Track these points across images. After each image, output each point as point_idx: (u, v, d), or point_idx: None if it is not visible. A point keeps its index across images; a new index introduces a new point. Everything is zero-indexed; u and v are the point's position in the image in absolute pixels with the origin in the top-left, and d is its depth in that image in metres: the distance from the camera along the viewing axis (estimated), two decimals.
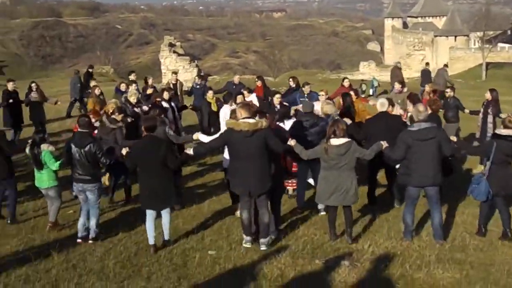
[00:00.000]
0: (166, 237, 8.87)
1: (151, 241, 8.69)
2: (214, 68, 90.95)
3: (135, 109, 13.32)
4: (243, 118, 8.41)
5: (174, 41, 45.32)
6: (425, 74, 27.20)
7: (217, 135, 9.55)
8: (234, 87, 18.08)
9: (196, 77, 18.81)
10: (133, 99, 13.27)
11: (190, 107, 16.71)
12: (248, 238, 8.75)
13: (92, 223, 9.22)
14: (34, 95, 16.94)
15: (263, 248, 8.57)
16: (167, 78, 39.20)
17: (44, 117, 17.62)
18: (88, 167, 9.12)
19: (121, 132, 11.18)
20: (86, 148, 9.06)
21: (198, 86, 18.38)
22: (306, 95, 15.91)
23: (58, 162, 9.47)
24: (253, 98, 15.26)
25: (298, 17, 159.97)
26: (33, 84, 17.55)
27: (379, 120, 10.67)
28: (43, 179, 9.59)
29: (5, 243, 9.17)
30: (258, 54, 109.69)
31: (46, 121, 17.96)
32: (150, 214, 8.77)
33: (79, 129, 9.34)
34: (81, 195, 9.38)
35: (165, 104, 13.88)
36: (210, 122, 15.61)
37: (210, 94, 16.20)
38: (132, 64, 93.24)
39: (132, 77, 19.09)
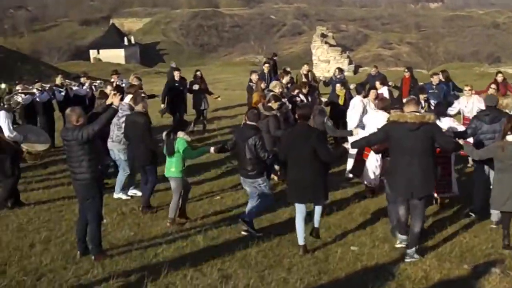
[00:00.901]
0: (316, 225, 8.62)
1: (301, 241, 8.39)
2: (365, 59, 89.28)
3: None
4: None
5: (326, 31, 45.17)
6: None
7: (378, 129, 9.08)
8: (372, 78, 17.79)
9: (336, 69, 18.59)
10: (277, 90, 13.33)
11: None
12: (404, 237, 8.32)
13: (249, 208, 9.26)
14: (197, 84, 17.42)
15: (407, 260, 7.97)
16: (318, 68, 39.28)
17: (207, 104, 17.89)
18: (247, 161, 8.97)
19: (274, 120, 11.11)
20: (249, 142, 8.90)
21: (336, 79, 18.18)
22: (434, 86, 15.20)
23: (188, 148, 9.43)
24: (384, 91, 14.86)
25: (456, 8, 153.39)
26: (198, 73, 18.02)
27: None
28: (170, 168, 9.55)
29: (156, 225, 9.59)
30: (411, 46, 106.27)
31: (208, 110, 18.28)
32: (300, 212, 8.42)
33: (247, 121, 9.20)
34: (245, 186, 9.43)
35: (302, 97, 13.79)
36: (336, 116, 15.27)
37: (338, 87, 15.98)
38: (285, 54, 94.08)
39: (265, 68, 19.24)
